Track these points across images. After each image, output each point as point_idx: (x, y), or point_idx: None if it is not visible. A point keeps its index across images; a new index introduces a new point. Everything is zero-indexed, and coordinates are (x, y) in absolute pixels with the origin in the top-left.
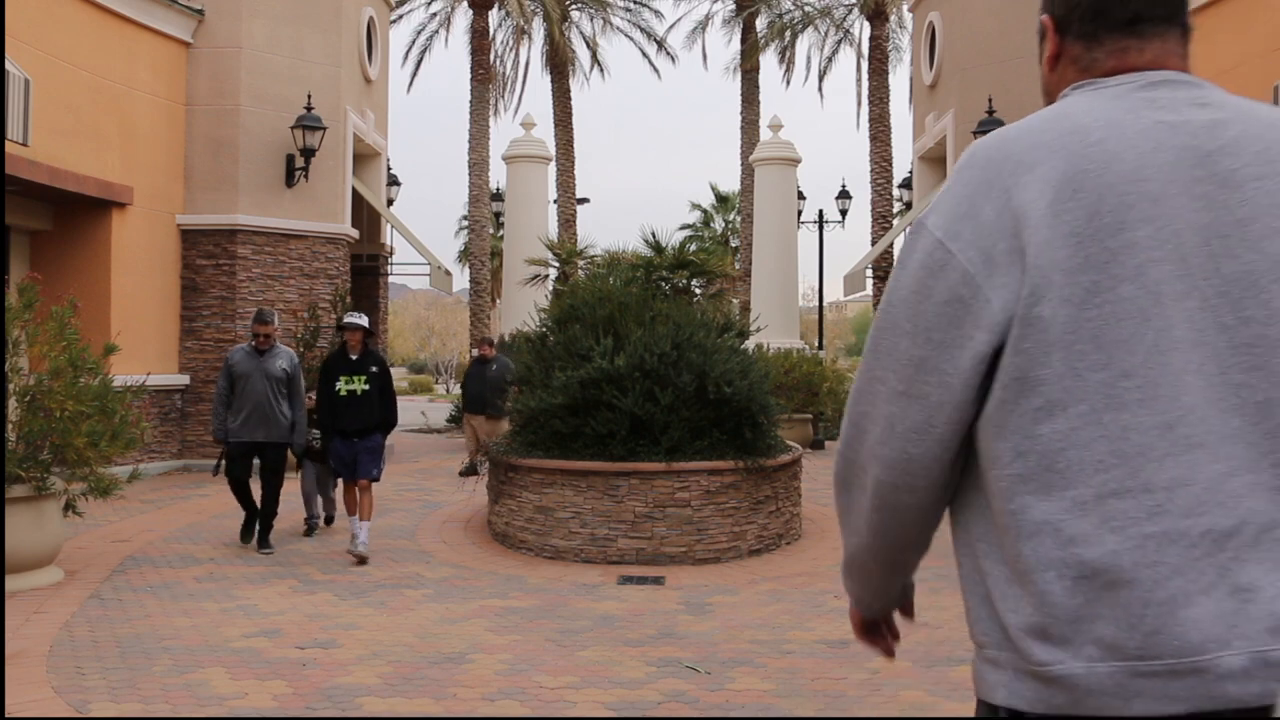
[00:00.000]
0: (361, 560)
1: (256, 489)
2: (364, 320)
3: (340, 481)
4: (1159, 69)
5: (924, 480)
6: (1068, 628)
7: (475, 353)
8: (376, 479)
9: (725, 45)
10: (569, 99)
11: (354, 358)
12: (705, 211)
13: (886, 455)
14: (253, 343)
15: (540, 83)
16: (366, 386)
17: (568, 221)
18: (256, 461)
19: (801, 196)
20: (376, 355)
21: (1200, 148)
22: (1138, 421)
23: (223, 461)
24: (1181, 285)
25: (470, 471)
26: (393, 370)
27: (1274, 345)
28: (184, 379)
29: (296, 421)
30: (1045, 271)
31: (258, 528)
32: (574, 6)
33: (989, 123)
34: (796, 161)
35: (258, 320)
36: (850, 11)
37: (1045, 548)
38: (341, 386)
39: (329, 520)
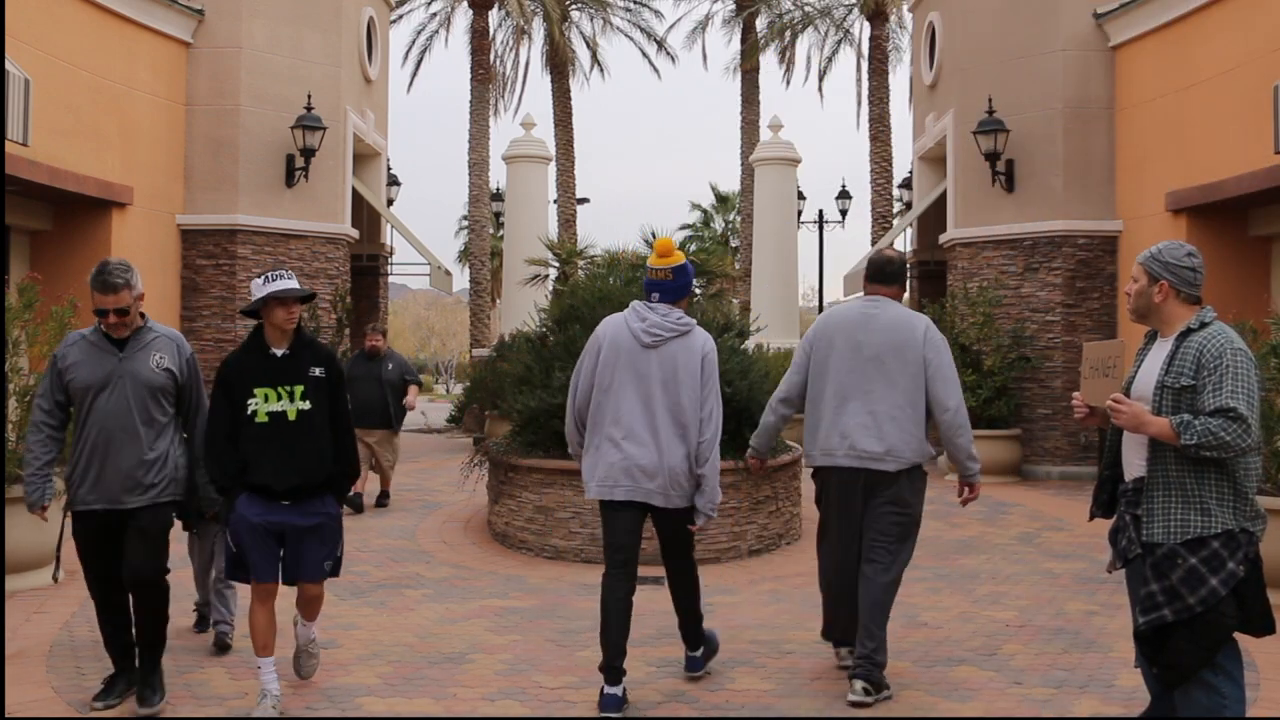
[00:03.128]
0: None
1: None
2: (295, 282)
3: (247, 581)
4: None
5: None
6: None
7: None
8: (333, 574)
9: (725, 45)
10: (569, 99)
11: (279, 353)
12: (705, 212)
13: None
14: (99, 324)
15: (540, 83)
16: (306, 405)
17: (568, 221)
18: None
19: (801, 196)
20: (321, 349)
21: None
22: None
23: (60, 550)
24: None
25: (357, 504)
26: None
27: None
28: None
29: (200, 462)
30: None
31: (137, 665)
32: (574, 6)
33: (989, 123)
34: (796, 161)
35: (101, 274)
36: (850, 11)
37: None
38: (259, 406)
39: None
